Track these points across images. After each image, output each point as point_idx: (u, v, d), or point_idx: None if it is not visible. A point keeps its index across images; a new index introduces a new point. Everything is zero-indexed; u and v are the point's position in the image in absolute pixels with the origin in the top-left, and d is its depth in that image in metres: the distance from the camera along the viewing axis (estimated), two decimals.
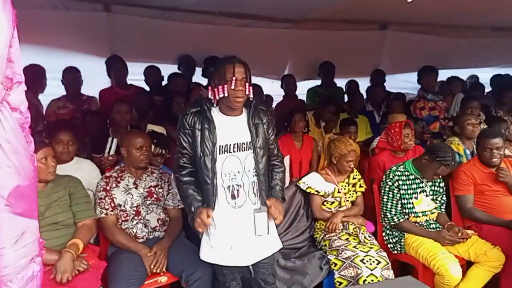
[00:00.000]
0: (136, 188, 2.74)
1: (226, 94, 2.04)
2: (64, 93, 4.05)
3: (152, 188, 2.79)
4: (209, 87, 2.14)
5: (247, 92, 2.07)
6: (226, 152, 2.13)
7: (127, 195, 2.70)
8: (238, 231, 2.17)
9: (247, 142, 2.16)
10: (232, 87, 2.03)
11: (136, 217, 2.70)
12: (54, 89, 4.12)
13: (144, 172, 2.82)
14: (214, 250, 2.20)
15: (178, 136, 2.17)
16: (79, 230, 2.49)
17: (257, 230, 2.16)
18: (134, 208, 2.70)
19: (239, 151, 2.15)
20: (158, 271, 2.50)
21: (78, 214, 2.50)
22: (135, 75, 4.31)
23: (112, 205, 2.66)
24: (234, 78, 2.03)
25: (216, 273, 2.33)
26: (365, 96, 5.27)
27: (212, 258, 2.24)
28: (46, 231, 2.36)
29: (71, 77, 4.00)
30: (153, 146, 3.15)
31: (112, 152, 3.16)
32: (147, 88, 4.39)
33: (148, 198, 2.75)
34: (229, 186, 2.14)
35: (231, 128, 2.15)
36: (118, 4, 4.17)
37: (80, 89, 4.10)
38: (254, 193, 2.19)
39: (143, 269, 2.50)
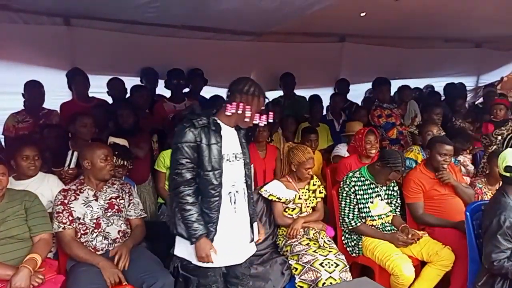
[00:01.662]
0: (96, 200, 2.73)
1: (257, 121, 2.28)
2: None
3: (113, 200, 2.79)
4: (232, 103, 2.24)
5: None
6: (227, 161, 2.30)
7: (86, 207, 2.69)
8: (237, 233, 2.37)
9: (239, 153, 2.38)
10: (263, 121, 2.28)
11: (96, 230, 2.68)
12: (14, 103, 4.04)
13: (105, 184, 2.82)
14: (213, 254, 2.26)
15: (179, 148, 2.20)
16: (36, 244, 2.45)
17: (255, 237, 2.50)
18: (94, 221, 2.69)
19: (235, 160, 2.35)
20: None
21: (34, 229, 2.47)
22: (97, 88, 4.28)
23: (70, 218, 2.64)
24: (269, 113, 2.30)
25: (198, 276, 2.39)
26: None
27: (210, 263, 2.28)
28: (1, 245, 2.34)
29: (34, 91, 3.91)
30: (114, 158, 3.16)
31: (72, 165, 3.13)
32: (110, 101, 4.37)
33: (109, 210, 2.75)
34: (229, 192, 2.32)
35: (229, 139, 2.32)
36: (78, 18, 4.14)
37: (43, 103, 4.02)
38: (245, 199, 2.41)
39: (103, 282, 2.48)
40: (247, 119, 2.26)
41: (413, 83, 5.78)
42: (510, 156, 2.58)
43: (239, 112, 2.24)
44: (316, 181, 3.37)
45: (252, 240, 2.47)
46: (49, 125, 3.79)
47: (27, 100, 3.94)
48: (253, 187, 2.54)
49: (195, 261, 2.32)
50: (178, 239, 2.35)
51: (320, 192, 3.35)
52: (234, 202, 2.34)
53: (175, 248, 2.39)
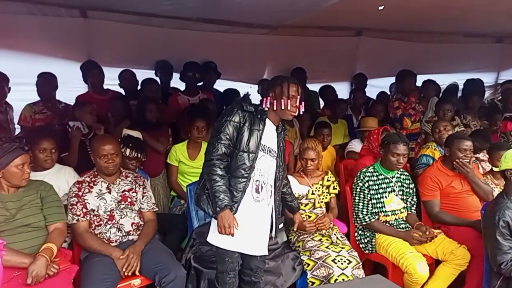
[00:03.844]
0: (109, 192, 2.75)
1: (288, 108, 2.32)
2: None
3: (126, 192, 2.80)
4: (267, 98, 2.36)
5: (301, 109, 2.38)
6: (263, 151, 2.37)
7: (100, 200, 2.71)
8: (256, 223, 2.40)
9: (274, 151, 2.44)
10: (297, 103, 2.34)
11: (109, 222, 2.70)
12: (31, 94, 4.04)
13: (118, 177, 2.83)
14: (232, 238, 2.29)
15: (223, 123, 2.29)
16: (51, 234, 2.49)
17: (279, 239, 2.62)
18: (108, 213, 2.71)
19: (269, 155, 2.42)
20: (129, 274, 2.51)
21: (49, 218, 2.50)
22: (112, 80, 4.31)
23: (84, 210, 2.66)
24: (298, 97, 2.34)
25: (216, 263, 2.43)
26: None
27: (227, 244, 2.33)
28: (18, 234, 2.38)
29: (45, 82, 3.92)
30: (128, 150, 3.18)
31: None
32: (124, 93, 4.39)
33: (122, 203, 2.77)
34: (257, 181, 2.36)
35: (269, 134, 2.40)
36: (95, 10, 4.17)
37: (55, 95, 4.04)
38: (270, 196, 2.45)
39: (116, 272, 2.51)
40: (283, 108, 2.32)
41: (432, 78, 5.64)
42: None
43: (274, 104, 2.33)
44: (330, 177, 3.33)
45: (271, 238, 2.54)
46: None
47: (39, 91, 3.93)
48: (280, 190, 2.58)
49: (222, 245, 2.35)
50: (212, 226, 2.38)
51: (334, 188, 3.31)
52: (259, 191, 2.37)
53: (208, 235, 2.40)
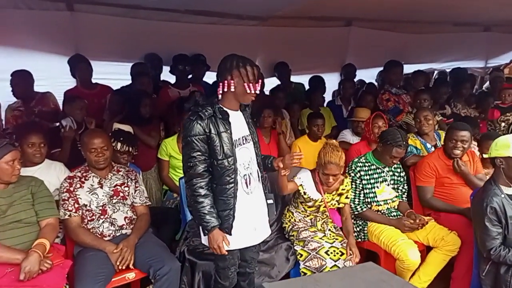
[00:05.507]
0: (101, 187, 2.74)
1: (249, 91, 2.20)
2: None
3: (118, 187, 2.79)
4: (224, 81, 2.19)
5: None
6: (239, 145, 2.29)
7: (92, 195, 2.70)
8: (253, 214, 2.39)
9: (248, 135, 2.36)
10: (258, 89, 2.22)
11: (102, 216, 2.69)
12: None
13: (110, 171, 2.82)
14: (231, 237, 2.29)
15: (190, 142, 2.19)
16: (43, 229, 2.47)
17: (270, 216, 2.53)
18: (100, 208, 2.70)
19: (246, 142, 2.35)
20: (123, 267, 2.51)
21: (41, 213, 2.49)
22: (100, 74, 4.26)
23: (76, 206, 2.65)
24: (259, 80, 2.24)
25: (217, 260, 2.43)
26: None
27: (229, 246, 2.29)
28: (9, 230, 2.36)
29: (20, 81, 3.79)
30: (119, 144, 3.16)
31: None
32: (114, 87, 4.34)
33: (114, 197, 2.75)
34: (244, 175, 2.32)
35: (236, 123, 2.30)
36: (81, 3, 4.11)
37: (31, 93, 3.91)
38: (259, 180, 2.44)
39: (110, 266, 2.51)
40: (243, 93, 2.21)
41: (419, 68, 5.68)
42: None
43: (232, 89, 2.19)
44: (346, 185, 3.01)
45: (270, 219, 2.53)
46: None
47: (14, 89, 3.81)
48: (261, 165, 2.50)
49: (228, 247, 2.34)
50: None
51: (346, 198, 3.05)
52: (249, 184, 2.35)
53: (201, 237, 2.39)
